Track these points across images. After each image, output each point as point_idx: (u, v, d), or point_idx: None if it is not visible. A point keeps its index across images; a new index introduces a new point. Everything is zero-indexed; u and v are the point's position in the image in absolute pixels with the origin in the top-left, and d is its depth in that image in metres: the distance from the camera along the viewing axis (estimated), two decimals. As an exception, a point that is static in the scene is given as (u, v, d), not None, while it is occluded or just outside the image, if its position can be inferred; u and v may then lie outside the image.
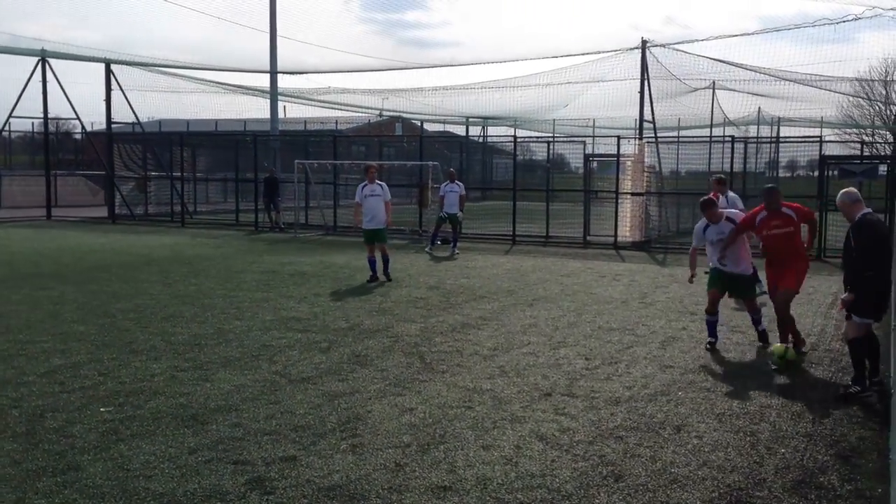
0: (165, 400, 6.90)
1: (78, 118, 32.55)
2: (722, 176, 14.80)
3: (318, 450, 5.77)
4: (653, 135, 26.09)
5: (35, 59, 29.63)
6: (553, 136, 33.70)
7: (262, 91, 35.73)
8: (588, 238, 22.91)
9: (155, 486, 5.07)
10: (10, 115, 30.33)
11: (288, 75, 37.22)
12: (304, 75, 40.96)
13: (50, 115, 31.57)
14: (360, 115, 49.17)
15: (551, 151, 27.36)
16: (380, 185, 14.51)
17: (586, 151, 27.60)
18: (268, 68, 32.07)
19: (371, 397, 7.10)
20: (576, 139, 32.71)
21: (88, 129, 35.52)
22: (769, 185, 9.46)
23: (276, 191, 26.51)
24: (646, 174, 23.14)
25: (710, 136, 36.19)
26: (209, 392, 7.16)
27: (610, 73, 28.84)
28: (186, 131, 37.94)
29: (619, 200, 22.40)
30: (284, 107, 43.64)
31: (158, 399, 6.92)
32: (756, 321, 9.50)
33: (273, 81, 32.07)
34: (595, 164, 25.93)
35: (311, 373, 7.90)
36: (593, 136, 39.93)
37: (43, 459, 5.47)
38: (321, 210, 26.30)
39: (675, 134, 35.49)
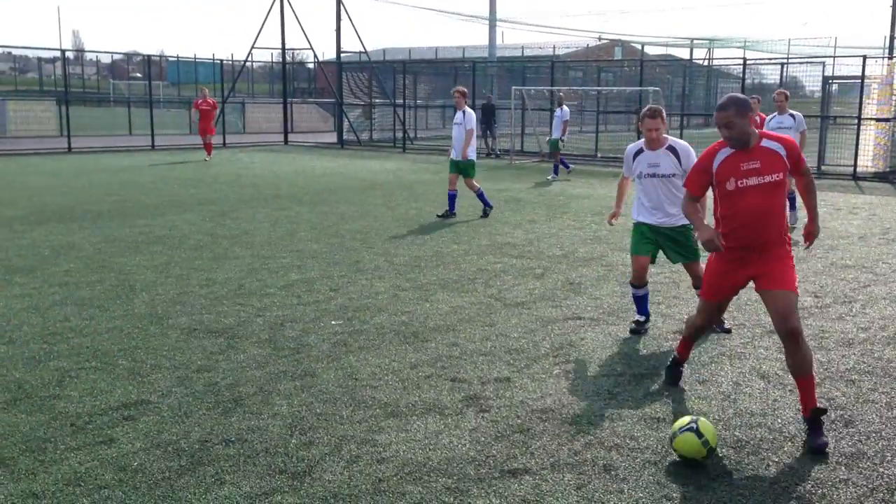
0: (389, 317, 7.33)
1: (311, 48, 34.53)
2: (782, 91, 12.86)
3: (532, 373, 5.90)
4: (906, 53, 23.35)
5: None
6: (787, 58, 31.11)
7: (481, 18, 35.84)
8: (822, 167, 21.36)
9: (380, 395, 5.44)
10: (252, 47, 32.66)
11: None
12: (523, -1, 40.42)
13: (287, 47, 33.69)
14: (578, 38, 48.11)
15: (784, 74, 25.33)
16: (463, 112, 13.16)
17: (825, 73, 25.33)
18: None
19: (584, 325, 7.13)
20: (814, 59, 29.99)
21: (320, 58, 37.48)
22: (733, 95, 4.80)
23: (493, 117, 26.76)
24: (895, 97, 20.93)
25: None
26: (428, 312, 7.51)
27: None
28: (408, 59, 38.98)
29: (862, 126, 20.54)
30: (502, 32, 43.64)
31: (382, 316, 7.36)
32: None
33: (492, 6, 32.02)
34: (835, 87, 23.78)
35: (524, 298, 8.04)
36: (833, 57, 36.42)
37: (283, 364, 6.04)
38: (537, 137, 26.23)
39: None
